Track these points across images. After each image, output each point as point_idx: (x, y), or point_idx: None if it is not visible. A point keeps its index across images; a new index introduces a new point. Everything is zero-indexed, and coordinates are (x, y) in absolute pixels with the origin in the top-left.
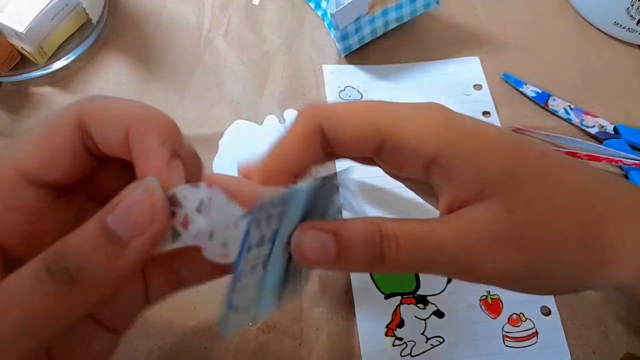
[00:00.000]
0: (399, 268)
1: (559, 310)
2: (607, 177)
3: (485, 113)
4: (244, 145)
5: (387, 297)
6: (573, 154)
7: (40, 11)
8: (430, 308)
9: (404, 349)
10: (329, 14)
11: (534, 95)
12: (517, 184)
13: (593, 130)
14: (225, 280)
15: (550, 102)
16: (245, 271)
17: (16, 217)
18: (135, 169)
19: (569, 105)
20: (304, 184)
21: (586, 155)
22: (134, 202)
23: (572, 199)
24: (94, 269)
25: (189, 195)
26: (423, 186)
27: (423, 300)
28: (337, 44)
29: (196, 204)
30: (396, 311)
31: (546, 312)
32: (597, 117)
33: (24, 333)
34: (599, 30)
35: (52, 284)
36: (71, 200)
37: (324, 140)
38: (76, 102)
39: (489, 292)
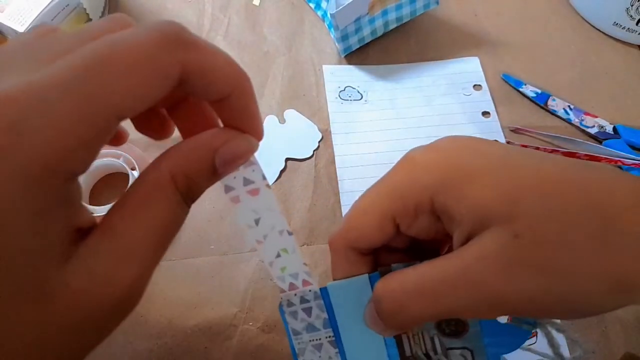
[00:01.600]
0: (420, 320)
1: None
2: (608, 174)
3: (485, 113)
4: None
5: None
6: (572, 154)
7: (41, 11)
8: None
9: None
10: (329, 14)
11: (534, 95)
12: (516, 205)
13: (592, 130)
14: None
15: (549, 102)
16: (304, 348)
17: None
18: (231, 121)
19: (569, 105)
20: (334, 283)
21: (586, 155)
22: (238, 153)
23: (578, 209)
24: (202, 192)
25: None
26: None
27: None
28: (337, 44)
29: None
30: None
31: None
32: (596, 117)
33: (161, 241)
34: (599, 30)
35: (185, 206)
36: None
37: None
38: (173, 40)
39: None
